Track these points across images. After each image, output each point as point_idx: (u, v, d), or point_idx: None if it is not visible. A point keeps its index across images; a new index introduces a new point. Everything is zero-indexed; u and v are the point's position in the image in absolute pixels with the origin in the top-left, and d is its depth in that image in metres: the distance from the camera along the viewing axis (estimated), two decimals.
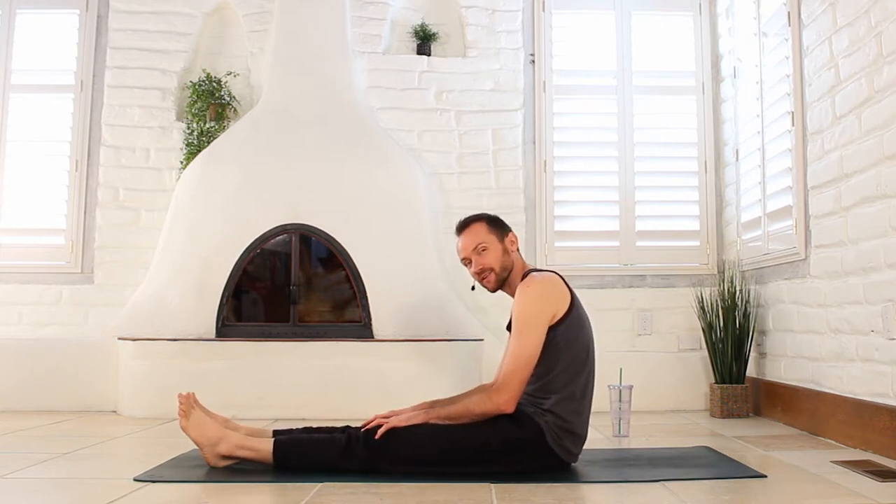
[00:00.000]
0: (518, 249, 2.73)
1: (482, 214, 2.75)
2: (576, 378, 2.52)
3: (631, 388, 3.42)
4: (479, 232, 2.68)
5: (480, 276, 2.67)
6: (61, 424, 3.71)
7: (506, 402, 2.44)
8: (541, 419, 2.49)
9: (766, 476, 2.49)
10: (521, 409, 2.52)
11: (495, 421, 2.50)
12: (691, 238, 4.66)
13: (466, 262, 2.71)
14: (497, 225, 2.72)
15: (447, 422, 2.50)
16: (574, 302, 2.57)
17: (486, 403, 2.47)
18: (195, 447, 2.99)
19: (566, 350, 2.52)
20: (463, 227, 2.72)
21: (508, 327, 2.66)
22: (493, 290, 2.72)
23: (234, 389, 3.98)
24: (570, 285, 2.63)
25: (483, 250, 2.65)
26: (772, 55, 3.89)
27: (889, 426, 2.79)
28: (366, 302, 4.29)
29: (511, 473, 2.47)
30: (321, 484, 2.38)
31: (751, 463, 2.69)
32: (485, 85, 4.74)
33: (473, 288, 2.80)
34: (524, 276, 2.64)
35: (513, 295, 2.63)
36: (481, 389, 2.68)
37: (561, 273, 2.69)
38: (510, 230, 2.73)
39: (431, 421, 2.51)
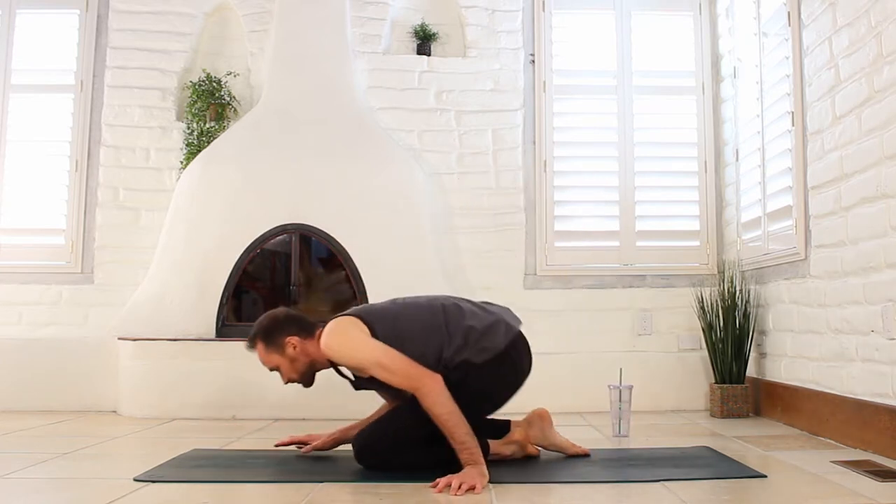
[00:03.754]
0: (306, 336, 2.68)
1: (258, 331, 2.72)
2: (441, 331, 2.59)
3: (631, 388, 3.42)
4: (262, 356, 2.70)
5: (293, 383, 2.74)
6: (61, 424, 3.71)
7: (430, 383, 2.44)
8: (465, 359, 2.57)
9: (766, 476, 2.49)
10: (450, 370, 2.56)
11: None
12: (691, 238, 4.66)
13: None
14: (272, 339, 2.68)
15: (462, 436, 2.41)
16: (367, 319, 2.60)
17: (424, 399, 2.44)
18: (195, 447, 3.00)
19: (410, 340, 2.56)
20: (250, 347, 2.74)
21: (356, 386, 2.74)
22: (311, 384, 2.76)
23: (234, 389, 3.99)
24: (356, 311, 2.67)
25: (276, 369, 2.70)
26: (772, 55, 3.89)
27: (889, 426, 2.79)
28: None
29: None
30: (321, 484, 2.38)
31: (751, 463, 2.69)
32: (485, 85, 4.74)
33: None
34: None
35: (333, 363, 2.67)
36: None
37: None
38: (287, 333, 2.68)
39: (474, 455, 2.40)
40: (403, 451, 2.54)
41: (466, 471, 2.34)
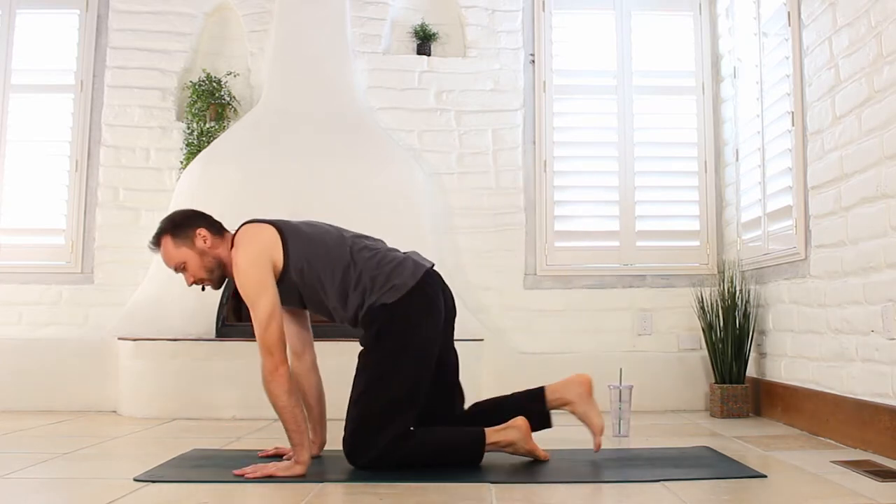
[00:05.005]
0: (216, 233, 2.61)
1: (164, 226, 2.61)
2: (351, 266, 2.57)
3: (631, 388, 3.42)
4: (168, 252, 2.58)
5: (195, 285, 2.63)
6: (61, 424, 3.71)
7: (270, 369, 2.43)
8: (374, 304, 2.56)
9: (766, 476, 2.49)
10: (364, 317, 2.58)
11: (366, 351, 2.59)
12: (691, 238, 4.66)
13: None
14: (181, 231, 2.59)
15: (297, 427, 2.46)
16: (284, 231, 2.56)
17: (268, 384, 2.44)
18: (195, 447, 2.99)
19: (320, 265, 2.56)
20: (154, 244, 2.62)
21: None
22: (220, 287, 2.66)
23: (234, 389, 3.99)
24: (274, 220, 2.60)
25: (183, 267, 2.59)
26: (772, 55, 3.89)
27: (889, 426, 2.79)
28: None
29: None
30: (321, 484, 2.38)
31: (751, 463, 2.69)
32: (485, 85, 4.74)
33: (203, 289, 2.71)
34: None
35: None
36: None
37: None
38: (197, 225, 2.60)
39: (301, 452, 2.46)
40: (394, 425, 2.49)
41: (287, 464, 2.47)
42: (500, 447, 2.61)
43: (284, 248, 2.54)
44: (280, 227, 2.58)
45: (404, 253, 2.74)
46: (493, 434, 2.60)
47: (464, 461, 2.57)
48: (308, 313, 2.82)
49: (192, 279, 2.60)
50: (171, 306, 4.26)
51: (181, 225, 2.61)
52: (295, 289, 2.60)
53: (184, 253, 2.57)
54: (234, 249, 2.55)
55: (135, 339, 4.10)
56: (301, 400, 2.55)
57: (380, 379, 2.54)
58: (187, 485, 2.39)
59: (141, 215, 4.64)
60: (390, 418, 2.50)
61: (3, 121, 4.69)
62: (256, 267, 2.49)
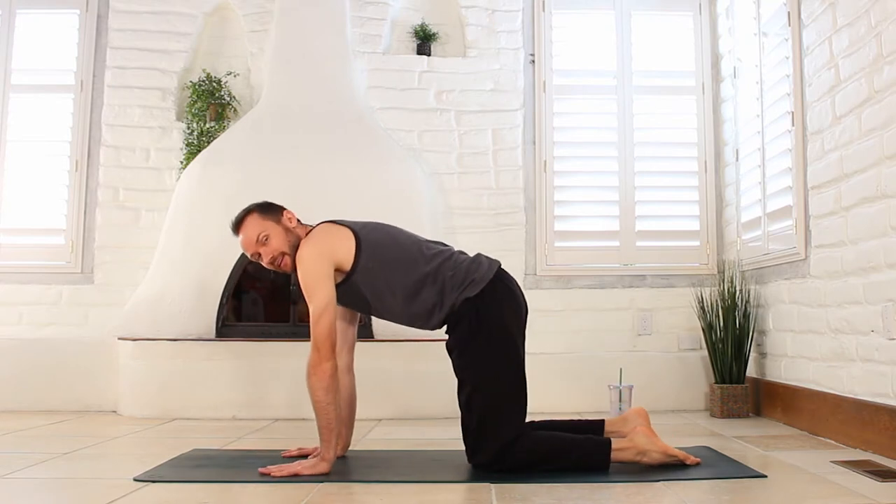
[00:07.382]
0: (299, 221, 2.71)
1: (250, 207, 2.71)
2: (424, 264, 2.61)
3: (631, 388, 3.42)
4: (253, 223, 2.65)
5: (275, 263, 2.64)
6: (61, 424, 3.71)
7: (314, 363, 2.47)
8: (456, 301, 2.58)
9: (766, 476, 2.49)
10: (448, 316, 2.60)
11: (455, 347, 2.59)
12: (691, 238, 4.66)
13: (256, 257, 2.66)
14: (269, 209, 2.70)
15: (328, 425, 2.47)
16: (357, 231, 2.61)
17: (309, 378, 2.48)
18: (195, 447, 2.99)
19: (390, 264, 2.59)
20: (237, 224, 2.68)
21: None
22: (294, 271, 2.65)
23: (234, 389, 3.99)
24: (351, 223, 2.66)
25: (266, 239, 2.62)
26: (772, 55, 3.89)
27: (889, 426, 2.79)
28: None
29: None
30: (321, 484, 2.38)
31: (751, 463, 2.70)
32: (485, 85, 4.74)
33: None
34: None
35: None
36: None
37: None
38: (283, 208, 2.72)
39: (327, 449, 2.48)
40: (510, 420, 2.49)
41: (312, 462, 2.48)
42: (627, 456, 2.54)
43: (357, 246, 2.58)
44: (354, 228, 2.64)
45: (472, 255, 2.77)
46: (618, 443, 2.56)
47: (588, 464, 2.52)
48: (358, 316, 2.86)
49: (271, 254, 2.62)
50: (171, 306, 4.26)
51: (268, 206, 2.71)
52: (361, 290, 2.62)
53: (269, 225, 2.64)
54: (302, 242, 2.62)
55: (135, 339, 4.10)
56: (339, 400, 2.54)
57: (485, 378, 2.53)
58: (187, 485, 2.39)
59: (141, 215, 4.64)
60: (505, 413, 2.50)
61: (3, 121, 4.69)
62: (317, 262, 2.55)
